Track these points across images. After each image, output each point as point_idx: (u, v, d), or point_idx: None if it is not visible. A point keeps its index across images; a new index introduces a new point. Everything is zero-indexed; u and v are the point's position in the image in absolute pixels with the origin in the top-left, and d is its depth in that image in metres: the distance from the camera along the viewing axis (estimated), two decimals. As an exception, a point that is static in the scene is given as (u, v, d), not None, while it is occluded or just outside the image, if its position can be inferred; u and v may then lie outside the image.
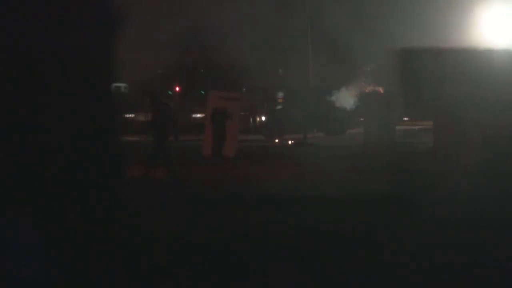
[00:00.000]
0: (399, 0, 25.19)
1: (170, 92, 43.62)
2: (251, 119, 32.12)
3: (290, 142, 26.41)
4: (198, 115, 32.97)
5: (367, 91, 26.95)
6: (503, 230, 9.38)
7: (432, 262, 7.78)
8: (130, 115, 34.57)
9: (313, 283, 7.12)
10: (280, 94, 36.01)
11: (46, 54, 5.39)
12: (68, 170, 5.48)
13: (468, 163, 15.99)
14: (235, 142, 20.72)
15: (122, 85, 34.61)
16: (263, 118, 32.21)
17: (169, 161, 15.24)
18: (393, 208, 11.34)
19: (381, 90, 25.00)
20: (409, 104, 17.85)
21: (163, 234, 9.11)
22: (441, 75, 16.59)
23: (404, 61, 17.23)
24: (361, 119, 24.17)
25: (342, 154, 20.94)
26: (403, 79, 17.34)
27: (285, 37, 42.92)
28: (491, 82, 16.36)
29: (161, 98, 17.83)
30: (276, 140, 27.90)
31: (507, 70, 16.56)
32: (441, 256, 8.04)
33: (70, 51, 5.48)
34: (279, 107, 32.04)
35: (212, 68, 45.02)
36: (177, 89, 44.46)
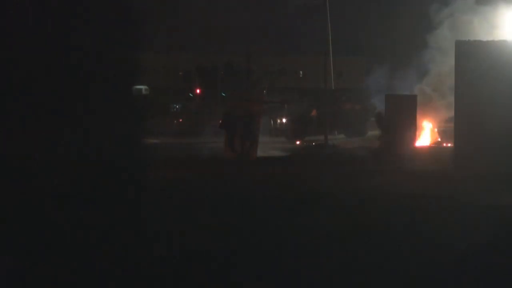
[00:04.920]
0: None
1: (191, 94, 43.71)
2: (271, 121, 32.02)
3: (312, 144, 26.30)
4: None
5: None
6: None
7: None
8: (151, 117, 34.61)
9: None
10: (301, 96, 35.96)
11: (68, 57, 5.38)
12: (95, 171, 5.46)
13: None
14: (256, 143, 20.69)
15: (143, 87, 34.68)
16: (284, 120, 32.12)
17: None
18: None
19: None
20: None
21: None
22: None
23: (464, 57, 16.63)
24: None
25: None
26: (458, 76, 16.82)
27: (306, 39, 42.94)
28: None
29: None
30: (298, 142, 27.82)
31: None
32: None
33: (92, 54, 5.47)
34: (300, 109, 31.94)
35: (233, 70, 45.11)
36: (198, 91, 44.54)
